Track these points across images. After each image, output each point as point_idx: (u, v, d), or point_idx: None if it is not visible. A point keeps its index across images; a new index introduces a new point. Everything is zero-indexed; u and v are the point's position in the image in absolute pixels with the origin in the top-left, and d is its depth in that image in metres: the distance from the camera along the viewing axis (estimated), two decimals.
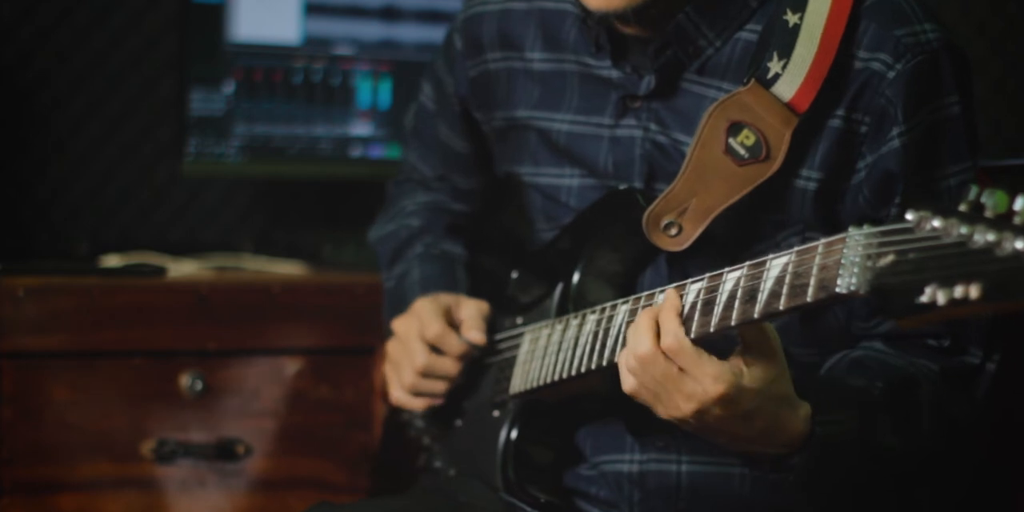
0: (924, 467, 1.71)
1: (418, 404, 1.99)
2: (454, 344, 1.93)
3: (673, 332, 1.53)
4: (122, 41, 2.79)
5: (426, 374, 1.94)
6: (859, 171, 1.70)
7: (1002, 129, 3.11)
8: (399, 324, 1.99)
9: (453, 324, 1.94)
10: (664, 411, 1.57)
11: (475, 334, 1.92)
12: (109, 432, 2.35)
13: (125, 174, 2.82)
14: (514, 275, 1.97)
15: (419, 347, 1.94)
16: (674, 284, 1.59)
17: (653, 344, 1.54)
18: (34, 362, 2.32)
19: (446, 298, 1.97)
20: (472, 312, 1.94)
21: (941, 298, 1.20)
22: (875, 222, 1.37)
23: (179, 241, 2.82)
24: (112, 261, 2.56)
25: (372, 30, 2.74)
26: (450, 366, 1.94)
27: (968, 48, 1.73)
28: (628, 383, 1.58)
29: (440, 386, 1.96)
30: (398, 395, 1.99)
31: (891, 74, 1.67)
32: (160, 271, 2.47)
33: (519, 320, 1.92)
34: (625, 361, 1.58)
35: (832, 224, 1.71)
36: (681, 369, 1.53)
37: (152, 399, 2.38)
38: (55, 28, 2.75)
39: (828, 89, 1.68)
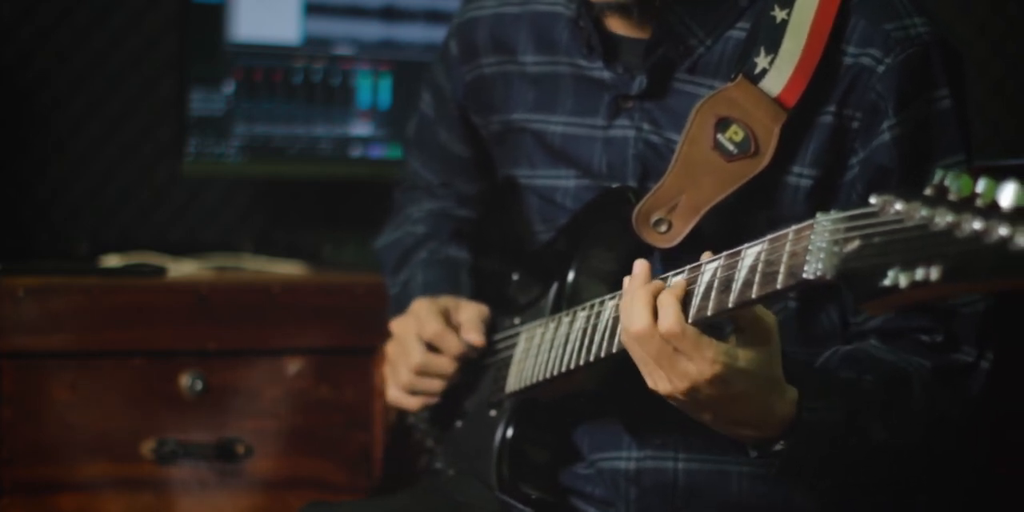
0: (914, 463, 1.71)
1: (414, 403, 1.99)
2: (452, 343, 1.93)
3: (675, 316, 1.52)
4: (122, 41, 2.79)
5: (422, 372, 1.95)
6: (852, 167, 1.71)
7: (1001, 130, 3.11)
8: (397, 324, 1.99)
9: (452, 326, 1.94)
10: (652, 383, 1.56)
11: (474, 336, 1.92)
12: (109, 432, 2.35)
13: (125, 174, 2.82)
14: (514, 277, 1.97)
15: (416, 346, 1.94)
16: (661, 276, 1.59)
17: (650, 321, 1.53)
18: (34, 362, 2.32)
19: (445, 300, 1.97)
20: (472, 315, 1.94)
21: (903, 281, 1.21)
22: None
23: (179, 241, 2.82)
24: (112, 261, 2.56)
25: (372, 30, 2.74)
26: (446, 365, 1.94)
27: (968, 49, 1.73)
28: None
29: (436, 384, 1.96)
30: (395, 394, 2.00)
31: (881, 68, 1.67)
32: (160, 271, 2.47)
33: (516, 320, 1.92)
34: (622, 336, 1.58)
35: None
36: (677, 349, 1.52)
37: (152, 399, 2.38)
38: (55, 28, 2.75)
39: (818, 85, 1.68)
